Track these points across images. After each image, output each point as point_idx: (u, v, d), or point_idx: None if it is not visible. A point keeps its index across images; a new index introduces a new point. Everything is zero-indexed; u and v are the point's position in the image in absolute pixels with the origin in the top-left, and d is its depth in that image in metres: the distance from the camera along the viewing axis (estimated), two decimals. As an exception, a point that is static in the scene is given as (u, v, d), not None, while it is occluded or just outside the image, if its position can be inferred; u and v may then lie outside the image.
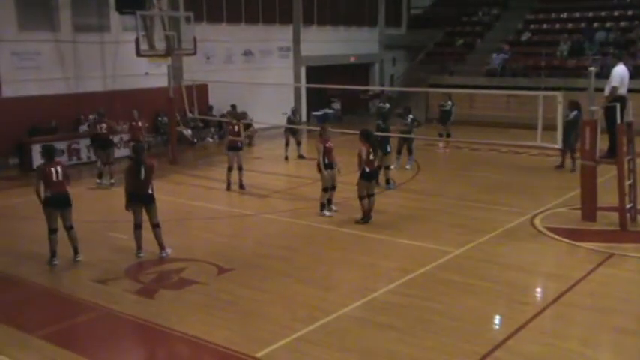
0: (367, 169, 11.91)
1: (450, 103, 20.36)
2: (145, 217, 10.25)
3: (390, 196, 14.32)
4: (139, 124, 16.63)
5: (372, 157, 11.97)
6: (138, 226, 10.28)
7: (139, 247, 10.34)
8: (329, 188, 12.60)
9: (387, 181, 14.86)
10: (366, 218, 12.04)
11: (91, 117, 18.47)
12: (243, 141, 15.99)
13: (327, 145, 12.48)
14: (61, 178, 9.97)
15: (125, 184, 10.29)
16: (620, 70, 11.74)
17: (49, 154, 10.15)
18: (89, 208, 13.22)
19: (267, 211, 13.29)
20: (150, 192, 10.19)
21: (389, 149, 14.89)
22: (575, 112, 15.73)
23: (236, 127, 15.10)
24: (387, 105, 19.86)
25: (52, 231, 10.05)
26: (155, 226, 10.29)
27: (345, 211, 12.71)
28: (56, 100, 18.88)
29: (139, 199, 10.16)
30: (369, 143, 12.01)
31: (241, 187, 15.01)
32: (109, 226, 11.36)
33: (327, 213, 12.61)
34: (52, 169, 9.94)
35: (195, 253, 10.58)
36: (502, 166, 17.95)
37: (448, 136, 20.32)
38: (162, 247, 10.34)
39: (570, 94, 15.91)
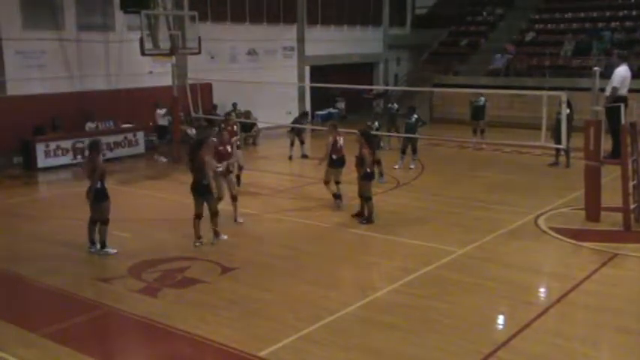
0: (369, 170, 11.96)
1: (482, 98, 20.15)
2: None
3: (394, 195, 14.32)
4: (228, 148, 12.52)
5: (373, 158, 12.08)
6: (196, 216, 10.81)
7: (197, 237, 10.79)
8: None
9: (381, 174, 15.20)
10: (369, 218, 12.04)
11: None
12: (240, 139, 16.07)
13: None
14: (87, 173, 10.43)
15: None
16: (622, 71, 11.96)
17: (88, 148, 10.79)
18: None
19: (270, 210, 13.29)
20: (205, 183, 10.66)
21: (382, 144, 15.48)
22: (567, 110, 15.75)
23: (235, 127, 15.16)
24: (396, 106, 19.82)
25: (89, 220, 10.53)
26: (212, 215, 10.85)
27: (347, 211, 12.71)
28: (60, 99, 18.87)
29: (194, 190, 10.76)
30: (370, 144, 12.05)
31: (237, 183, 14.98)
32: (113, 225, 11.34)
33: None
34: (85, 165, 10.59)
35: (199, 251, 10.58)
36: (506, 165, 17.93)
37: (482, 132, 20.23)
38: (216, 234, 10.92)
39: (574, 94, 15.88)
